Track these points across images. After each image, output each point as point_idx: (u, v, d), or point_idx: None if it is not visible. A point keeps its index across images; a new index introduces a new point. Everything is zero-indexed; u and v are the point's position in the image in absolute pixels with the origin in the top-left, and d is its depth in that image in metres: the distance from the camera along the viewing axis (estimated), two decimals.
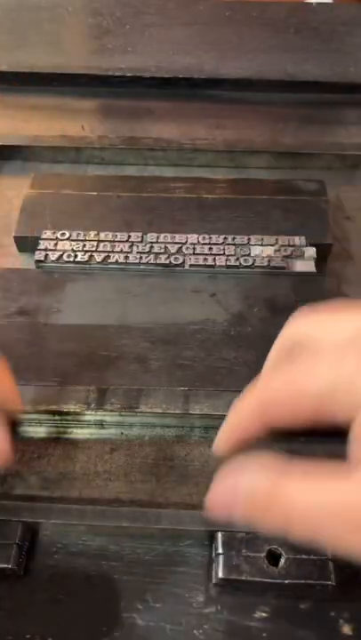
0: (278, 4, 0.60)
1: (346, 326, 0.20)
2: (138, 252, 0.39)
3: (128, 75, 0.52)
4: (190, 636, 0.26)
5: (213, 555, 0.27)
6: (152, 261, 0.39)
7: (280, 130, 0.49)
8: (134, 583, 0.27)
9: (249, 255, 0.39)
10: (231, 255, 0.39)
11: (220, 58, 0.53)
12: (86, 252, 0.39)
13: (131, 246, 0.39)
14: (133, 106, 0.51)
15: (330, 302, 0.23)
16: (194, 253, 0.39)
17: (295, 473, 0.19)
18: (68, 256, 0.39)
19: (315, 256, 0.39)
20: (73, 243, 0.39)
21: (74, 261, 0.39)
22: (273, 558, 0.27)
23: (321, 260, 0.39)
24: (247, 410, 0.21)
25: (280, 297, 0.37)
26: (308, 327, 0.22)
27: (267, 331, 0.35)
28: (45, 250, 0.39)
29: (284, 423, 0.20)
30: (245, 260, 0.38)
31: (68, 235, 0.40)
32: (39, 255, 0.39)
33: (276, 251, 0.39)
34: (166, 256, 0.39)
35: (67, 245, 0.39)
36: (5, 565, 0.27)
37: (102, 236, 0.40)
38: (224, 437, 0.22)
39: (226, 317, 0.36)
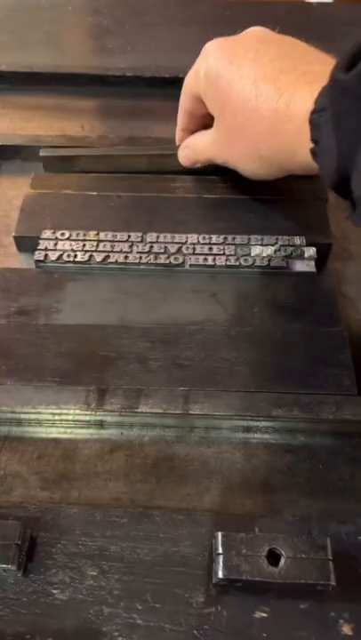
0: (278, 4, 0.60)
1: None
2: (138, 252, 0.39)
3: (128, 74, 0.52)
4: (190, 636, 0.26)
5: (213, 555, 0.27)
6: (152, 261, 0.39)
7: None
8: (134, 583, 0.27)
9: (249, 255, 0.39)
10: (231, 255, 0.39)
11: None
12: (86, 251, 0.39)
13: (131, 246, 0.39)
14: (133, 106, 0.51)
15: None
16: (194, 253, 0.39)
17: (196, 137, 0.42)
18: (68, 256, 0.39)
19: (315, 256, 0.39)
20: (73, 243, 0.39)
21: (74, 261, 0.39)
22: (273, 558, 0.27)
23: (321, 259, 0.39)
24: (180, 121, 0.43)
25: (280, 297, 0.37)
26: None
27: (267, 331, 0.35)
28: (45, 250, 0.39)
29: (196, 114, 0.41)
30: (245, 260, 0.38)
31: (67, 235, 0.40)
32: (39, 255, 0.39)
33: (276, 250, 0.39)
34: (166, 256, 0.39)
35: (67, 245, 0.39)
36: (5, 565, 0.27)
37: (102, 235, 0.40)
38: (179, 136, 0.44)
39: (226, 317, 0.36)
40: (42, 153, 0.44)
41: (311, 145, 0.32)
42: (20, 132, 0.48)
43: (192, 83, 0.40)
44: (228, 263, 0.38)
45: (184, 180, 0.43)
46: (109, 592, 0.27)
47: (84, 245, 0.39)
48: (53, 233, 0.40)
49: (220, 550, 0.27)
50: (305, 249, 0.39)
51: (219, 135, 0.39)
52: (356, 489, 0.31)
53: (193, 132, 0.42)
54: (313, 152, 0.32)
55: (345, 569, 0.28)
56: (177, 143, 0.44)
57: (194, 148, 0.42)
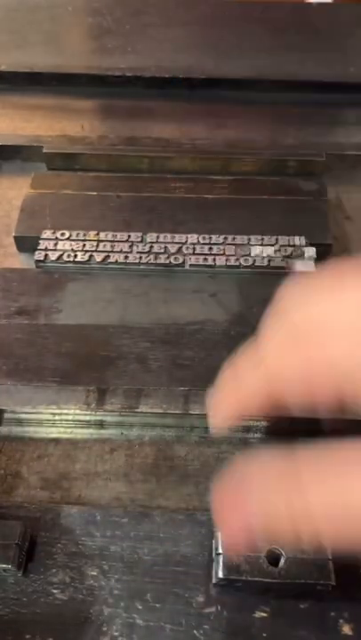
0: (278, 4, 0.60)
1: (349, 303, 0.19)
2: (138, 252, 0.39)
3: (128, 75, 0.52)
4: (190, 635, 0.26)
5: (213, 554, 0.27)
6: (152, 261, 0.39)
7: (280, 130, 0.49)
8: (134, 583, 0.27)
9: (249, 255, 0.39)
10: (231, 255, 0.39)
11: (220, 58, 0.53)
12: (86, 251, 0.39)
13: (131, 246, 0.39)
14: (133, 106, 0.51)
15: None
16: (194, 253, 0.39)
17: (310, 475, 0.18)
18: (68, 256, 0.39)
19: (315, 256, 0.39)
20: (73, 243, 0.39)
21: (74, 261, 0.39)
22: (273, 558, 0.27)
23: (321, 260, 0.39)
24: (253, 386, 0.21)
25: None
26: (309, 311, 0.20)
27: None
28: (45, 250, 0.39)
29: (294, 404, 0.20)
30: (245, 260, 0.38)
31: (67, 235, 0.40)
32: (39, 255, 0.39)
33: (276, 251, 0.39)
34: (166, 256, 0.39)
35: (67, 245, 0.39)
36: (5, 565, 0.27)
37: (102, 235, 0.40)
38: (223, 413, 0.22)
39: (226, 317, 0.36)
40: (45, 150, 0.44)
41: None
42: (21, 132, 0.48)
43: (339, 365, 0.19)
44: (228, 263, 0.38)
45: (184, 180, 0.43)
46: (109, 592, 0.27)
47: (84, 245, 0.39)
48: (53, 233, 0.40)
49: (221, 550, 0.27)
50: (305, 249, 0.39)
51: None
52: None
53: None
54: None
55: (345, 569, 0.28)
56: (214, 424, 0.24)
57: None
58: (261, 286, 0.38)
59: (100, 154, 0.44)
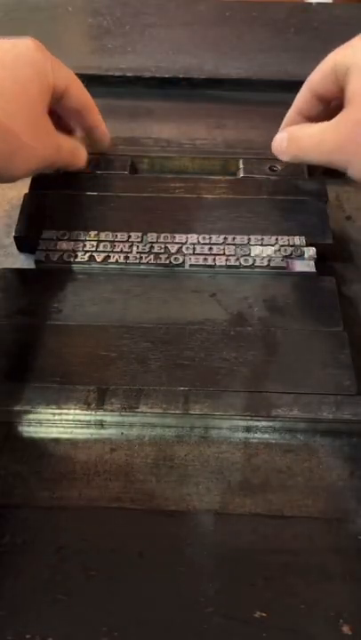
0: (278, 4, 0.60)
1: None
2: (138, 252, 0.39)
3: (128, 75, 0.52)
4: (190, 635, 0.26)
5: None
6: (152, 261, 0.39)
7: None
8: (135, 583, 0.28)
9: (249, 255, 0.39)
10: (231, 255, 0.39)
11: (220, 58, 0.53)
12: (86, 252, 0.39)
13: (131, 246, 0.39)
14: (133, 106, 0.51)
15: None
16: (194, 253, 0.39)
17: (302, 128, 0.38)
18: (69, 256, 0.39)
19: (315, 256, 0.39)
20: (73, 243, 0.39)
21: (74, 261, 0.39)
22: None
23: (321, 260, 0.39)
24: (302, 95, 0.39)
25: (280, 297, 0.37)
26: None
27: (267, 331, 0.35)
28: (45, 250, 0.39)
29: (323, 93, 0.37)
30: (245, 260, 0.38)
31: (68, 235, 0.40)
32: (39, 255, 0.39)
33: (276, 251, 0.39)
34: (166, 256, 0.39)
35: (67, 245, 0.39)
36: None
37: (102, 236, 0.40)
38: (288, 120, 0.40)
39: (226, 317, 0.36)
40: None
41: None
42: None
43: (342, 56, 0.35)
44: (228, 263, 0.38)
45: (184, 180, 0.43)
46: (110, 592, 0.27)
47: (84, 245, 0.39)
48: (53, 233, 0.40)
49: None
50: (305, 249, 0.39)
51: (344, 121, 0.35)
52: (356, 489, 0.31)
53: (309, 119, 0.39)
54: None
55: (345, 569, 0.28)
56: (282, 127, 0.40)
57: (298, 143, 0.38)
58: (261, 286, 0.38)
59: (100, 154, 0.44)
